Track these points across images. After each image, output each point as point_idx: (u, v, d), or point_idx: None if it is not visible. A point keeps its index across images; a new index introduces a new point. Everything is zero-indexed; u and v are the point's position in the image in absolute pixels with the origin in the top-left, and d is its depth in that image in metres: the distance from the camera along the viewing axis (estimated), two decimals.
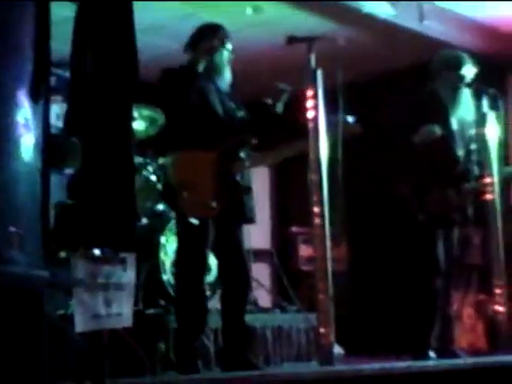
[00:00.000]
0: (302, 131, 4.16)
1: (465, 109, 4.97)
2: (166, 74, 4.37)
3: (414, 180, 4.86)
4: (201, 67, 4.42)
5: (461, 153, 4.93)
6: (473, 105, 4.95)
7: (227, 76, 4.47)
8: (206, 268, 4.33)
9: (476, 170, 4.96)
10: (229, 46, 4.46)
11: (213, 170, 4.20)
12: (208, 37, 4.43)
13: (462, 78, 4.92)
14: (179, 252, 4.33)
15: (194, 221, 4.14)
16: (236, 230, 4.37)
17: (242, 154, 4.32)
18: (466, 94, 4.95)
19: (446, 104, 4.92)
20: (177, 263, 4.37)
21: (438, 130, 4.75)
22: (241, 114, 4.46)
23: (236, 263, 4.33)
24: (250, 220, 4.41)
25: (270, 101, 4.28)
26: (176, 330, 4.28)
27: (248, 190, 4.34)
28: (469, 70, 4.95)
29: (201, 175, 4.18)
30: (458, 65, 4.93)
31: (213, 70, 4.43)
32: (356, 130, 4.22)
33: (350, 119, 4.19)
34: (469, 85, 4.95)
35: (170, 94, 4.31)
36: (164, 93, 4.36)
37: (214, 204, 4.14)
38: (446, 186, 4.84)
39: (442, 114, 4.88)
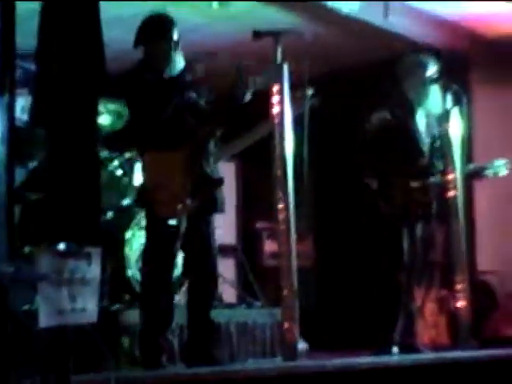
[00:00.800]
0: (264, 115, 4.18)
1: (433, 104, 5.02)
2: (133, 84, 4.31)
3: (380, 173, 4.89)
4: (164, 67, 4.37)
5: (426, 148, 4.99)
6: (440, 99, 5.00)
7: (182, 64, 4.43)
8: (174, 265, 4.32)
9: (440, 165, 5.00)
10: (176, 31, 4.39)
11: (185, 168, 4.18)
12: (164, 34, 4.35)
13: (427, 79, 4.99)
14: (148, 249, 4.29)
15: (173, 222, 4.13)
16: (207, 223, 4.35)
17: (210, 147, 4.32)
18: (434, 90, 5.00)
19: (413, 103, 4.98)
20: (144, 260, 4.33)
21: (387, 115, 4.82)
22: (202, 102, 4.43)
23: (203, 257, 4.31)
24: (221, 211, 4.41)
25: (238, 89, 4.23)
26: (141, 326, 4.26)
27: (221, 181, 4.33)
28: (432, 70, 5.03)
29: (174, 175, 4.16)
30: (422, 69, 5.01)
31: (172, 64, 4.39)
32: (314, 103, 4.27)
33: (309, 92, 4.23)
34: (436, 80, 5.01)
35: (142, 107, 4.26)
36: (135, 104, 4.31)
37: (189, 202, 4.14)
38: (411, 179, 4.88)
39: (407, 112, 4.95)
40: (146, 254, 4.31)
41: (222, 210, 4.40)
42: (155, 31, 4.38)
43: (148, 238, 4.30)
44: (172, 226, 4.12)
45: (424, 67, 5.02)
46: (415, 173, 4.91)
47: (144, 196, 4.27)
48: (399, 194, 4.85)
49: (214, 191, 4.29)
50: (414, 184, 4.89)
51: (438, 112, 5.02)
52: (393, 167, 4.86)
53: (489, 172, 5.13)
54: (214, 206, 4.32)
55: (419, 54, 5.23)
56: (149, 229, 4.32)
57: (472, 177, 5.37)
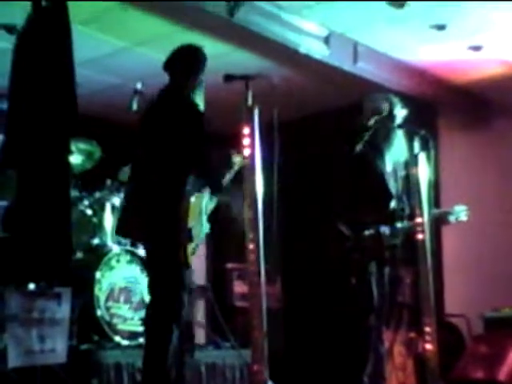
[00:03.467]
0: None
1: (398, 150, 5.08)
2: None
3: (350, 217, 4.93)
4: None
5: (394, 191, 5.04)
6: (405, 146, 5.07)
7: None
8: None
9: (408, 210, 5.05)
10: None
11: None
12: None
13: (393, 118, 5.05)
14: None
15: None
16: None
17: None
18: (398, 135, 5.07)
19: (381, 145, 5.03)
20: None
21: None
22: None
23: None
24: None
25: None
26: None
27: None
28: (399, 111, 5.09)
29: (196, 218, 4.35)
30: (389, 107, 5.07)
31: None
32: None
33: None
34: (401, 126, 5.08)
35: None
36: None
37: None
38: (380, 223, 4.93)
39: (377, 154, 5.00)
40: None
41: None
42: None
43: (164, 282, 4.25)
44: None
45: (390, 106, 5.08)
46: (385, 217, 4.96)
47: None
48: (369, 239, 4.89)
49: None
50: (384, 229, 4.94)
51: (403, 159, 5.08)
52: (365, 211, 4.91)
53: (451, 218, 5.18)
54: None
55: (384, 93, 5.30)
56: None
57: (436, 222, 5.41)
